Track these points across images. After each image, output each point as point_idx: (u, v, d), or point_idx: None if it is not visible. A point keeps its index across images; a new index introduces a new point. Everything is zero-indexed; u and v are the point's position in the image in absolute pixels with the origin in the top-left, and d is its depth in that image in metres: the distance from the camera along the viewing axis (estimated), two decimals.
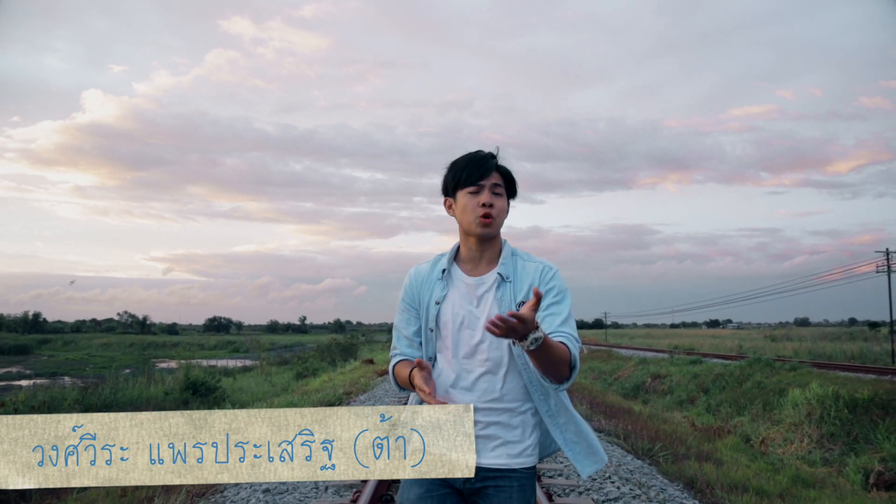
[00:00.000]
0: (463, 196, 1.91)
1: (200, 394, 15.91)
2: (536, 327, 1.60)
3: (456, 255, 2.01)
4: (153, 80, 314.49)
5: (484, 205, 1.87)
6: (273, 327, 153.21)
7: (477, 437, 1.81)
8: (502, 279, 1.90)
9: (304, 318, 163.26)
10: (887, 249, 28.93)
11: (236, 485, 5.37)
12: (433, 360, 1.96)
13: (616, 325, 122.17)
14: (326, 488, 5.14)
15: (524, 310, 1.57)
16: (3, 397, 11.14)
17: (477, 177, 1.89)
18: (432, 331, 1.93)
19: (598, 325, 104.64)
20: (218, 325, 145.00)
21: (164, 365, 32.88)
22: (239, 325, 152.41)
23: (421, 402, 1.84)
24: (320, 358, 32.32)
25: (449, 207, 1.97)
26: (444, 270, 1.95)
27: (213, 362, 34.08)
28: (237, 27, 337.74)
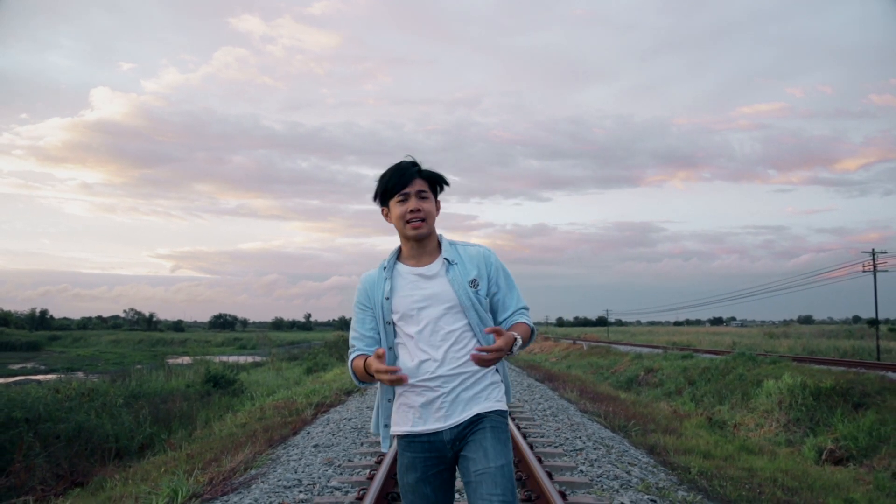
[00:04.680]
0: (394, 205, 2.14)
1: (220, 386, 17.09)
2: (514, 339, 2.00)
3: (399, 256, 2.24)
4: (162, 77, 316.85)
5: (412, 211, 2.11)
6: (278, 324, 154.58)
7: (449, 402, 2.06)
8: (449, 263, 2.15)
9: (309, 315, 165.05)
10: (873, 250, 30.13)
11: (291, 441, 6.66)
12: (393, 349, 2.15)
13: (620, 323, 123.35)
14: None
15: (500, 342, 1.93)
16: (58, 384, 12.34)
17: (401, 186, 2.12)
18: (390, 324, 2.14)
19: (601, 322, 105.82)
20: (223, 322, 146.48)
21: (176, 361, 34.09)
22: (244, 322, 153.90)
23: (388, 394, 2.18)
24: (329, 353, 33.40)
25: (386, 216, 2.20)
26: (384, 268, 2.19)
27: (223, 358, 35.29)
28: (246, 25, 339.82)
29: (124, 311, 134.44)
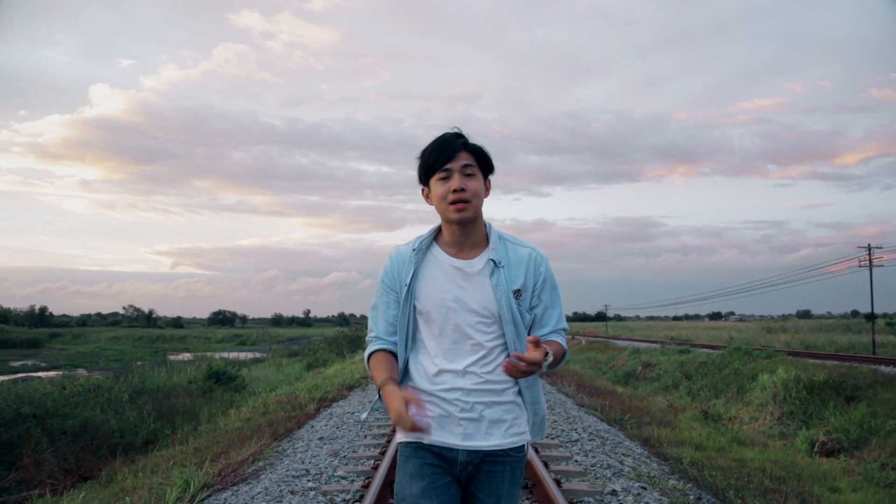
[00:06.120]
0: (435, 183, 1.82)
1: (222, 382, 17.26)
2: (546, 354, 1.68)
3: (437, 237, 1.92)
4: (161, 73, 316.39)
5: (455, 190, 1.78)
6: (277, 320, 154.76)
7: (469, 420, 1.79)
8: (495, 265, 1.82)
9: (308, 311, 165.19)
10: (869, 245, 30.42)
11: (296, 435, 6.88)
12: (412, 341, 1.89)
13: (619, 318, 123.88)
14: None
15: (537, 353, 1.64)
16: (63, 381, 12.51)
17: (443, 161, 1.80)
18: (409, 316, 1.86)
19: (600, 317, 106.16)
20: (223, 319, 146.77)
21: (177, 357, 34.19)
22: (244, 319, 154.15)
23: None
24: (328, 349, 33.55)
25: (426, 197, 1.88)
26: (414, 250, 1.87)
27: (223, 354, 35.40)
28: (246, 21, 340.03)
29: (124, 308, 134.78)
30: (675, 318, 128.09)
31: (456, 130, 1.86)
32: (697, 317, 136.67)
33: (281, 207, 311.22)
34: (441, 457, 1.81)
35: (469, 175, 1.80)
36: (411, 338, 1.88)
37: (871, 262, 30.24)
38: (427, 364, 1.85)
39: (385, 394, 1.76)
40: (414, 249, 1.87)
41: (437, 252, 1.87)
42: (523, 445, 1.86)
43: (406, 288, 1.84)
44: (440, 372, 1.82)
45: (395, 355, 1.89)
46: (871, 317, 29.90)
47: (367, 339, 1.94)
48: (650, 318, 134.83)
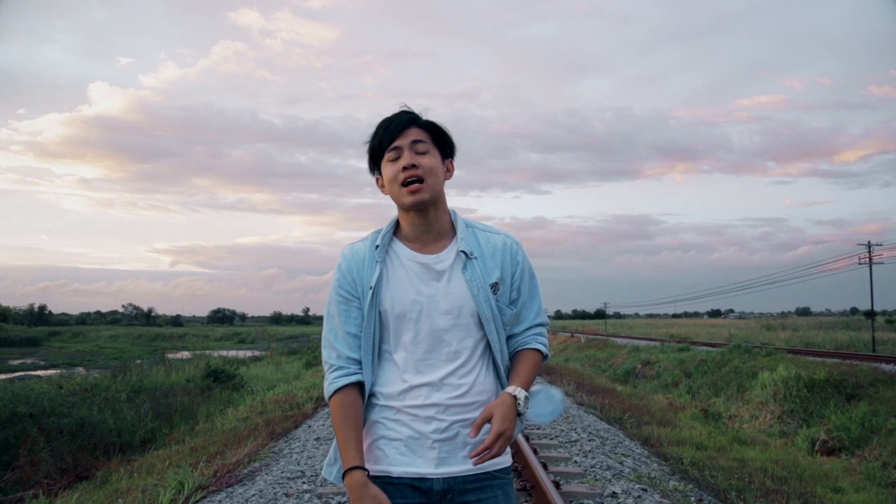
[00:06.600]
0: (385, 167, 1.60)
1: (220, 381, 17.21)
2: (514, 404, 1.49)
3: (396, 232, 1.66)
4: (160, 72, 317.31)
5: (405, 168, 1.55)
6: (277, 318, 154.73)
7: (444, 441, 1.54)
8: (467, 257, 1.59)
9: (307, 309, 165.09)
10: (869, 242, 30.40)
11: (293, 434, 6.82)
12: (377, 354, 1.60)
13: (618, 316, 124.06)
14: None
15: (497, 426, 1.45)
16: (60, 380, 12.46)
17: (389, 139, 1.58)
18: (374, 326, 1.58)
19: (599, 315, 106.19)
20: (222, 317, 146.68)
21: (176, 356, 34.14)
22: (243, 317, 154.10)
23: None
24: None
25: (381, 187, 1.64)
26: (377, 247, 1.61)
27: (222, 353, 35.31)
28: (245, 18, 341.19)
29: (123, 307, 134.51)
30: (675, 316, 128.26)
31: (404, 108, 1.63)
32: (697, 314, 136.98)
33: (280, 205, 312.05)
34: (413, 488, 1.53)
35: (421, 152, 1.57)
36: (377, 350, 1.60)
37: (870, 259, 30.21)
38: (394, 380, 1.57)
39: (352, 487, 1.46)
40: (377, 246, 1.60)
41: (399, 248, 1.62)
42: (509, 466, 1.61)
43: (371, 291, 1.57)
44: (410, 388, 1.55)
45: (362, 390, 1.58)
46: (870, 314, 29.87)
47: (324, 357, 1.61)
48: (649, 316, 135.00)
